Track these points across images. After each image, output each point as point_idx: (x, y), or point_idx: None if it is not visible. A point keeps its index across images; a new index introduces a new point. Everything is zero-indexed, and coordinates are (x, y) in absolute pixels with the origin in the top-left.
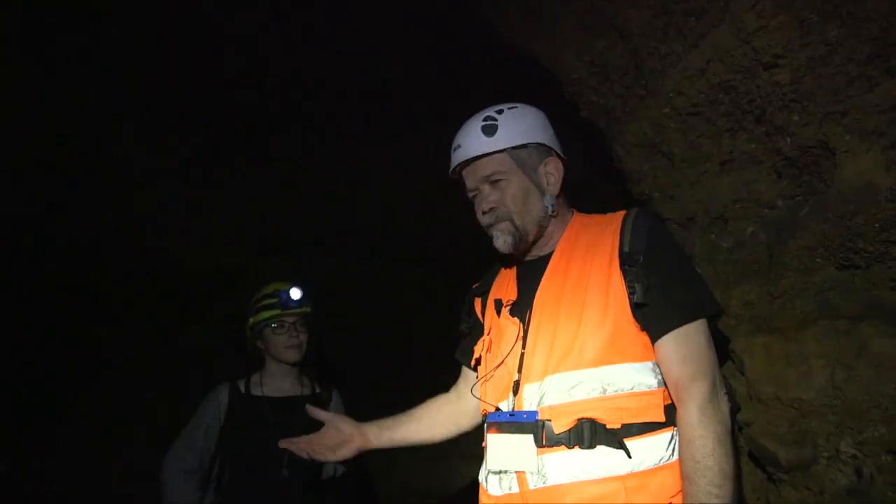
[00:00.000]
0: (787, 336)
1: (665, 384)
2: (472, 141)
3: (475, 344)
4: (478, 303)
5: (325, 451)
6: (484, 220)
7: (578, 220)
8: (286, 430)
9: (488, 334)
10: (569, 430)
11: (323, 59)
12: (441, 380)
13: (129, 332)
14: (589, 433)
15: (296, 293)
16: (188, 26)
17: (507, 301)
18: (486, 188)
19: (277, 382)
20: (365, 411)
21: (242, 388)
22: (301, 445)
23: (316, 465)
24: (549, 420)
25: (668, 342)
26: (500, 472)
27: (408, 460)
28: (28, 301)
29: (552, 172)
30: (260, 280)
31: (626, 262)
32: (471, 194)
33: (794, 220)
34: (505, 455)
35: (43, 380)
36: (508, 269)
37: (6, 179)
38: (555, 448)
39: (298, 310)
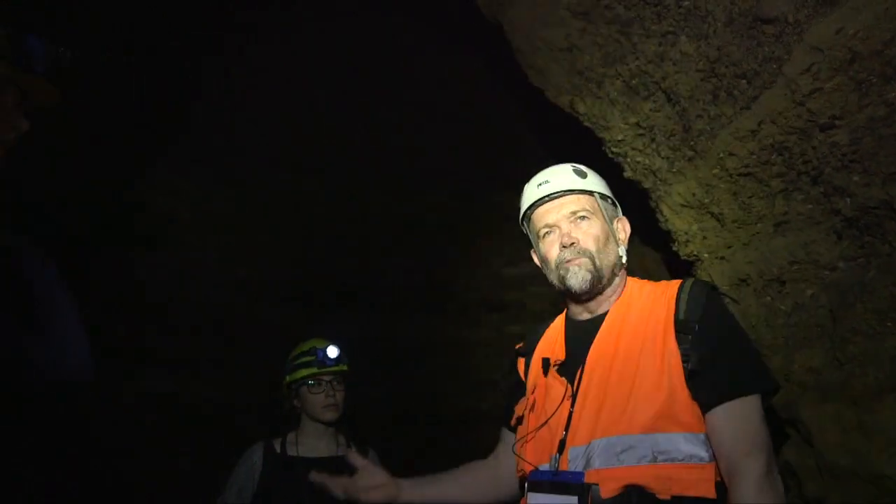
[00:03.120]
0: (860, 405)
1: (715, 459)
2: (563, 178)
3: (516, 403)
4: (521, 363)
5: (358, 492)
6: (562, 254)
7: (633, 284)
8: (321, 492)
9: (532, 393)
10: (617, 495)
11: (360, 115)
12: (471, 437)
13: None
14: (637, 502)
15: (333, 351)
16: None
17: (555, 361)
18: (567, 225)
19: (313, 442)
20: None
21: (277, 448)
22: (335, 484)
23: None
24: (597, 484)
25: (721, 414)
26: None
27: None
28: None
29: (622, 230)
30: (287, 334)
31: (682, 330)
32: (545, 230)
33: (859, 283)
34: None
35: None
36: (555, 330)
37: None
38: None
39: (335, 367)
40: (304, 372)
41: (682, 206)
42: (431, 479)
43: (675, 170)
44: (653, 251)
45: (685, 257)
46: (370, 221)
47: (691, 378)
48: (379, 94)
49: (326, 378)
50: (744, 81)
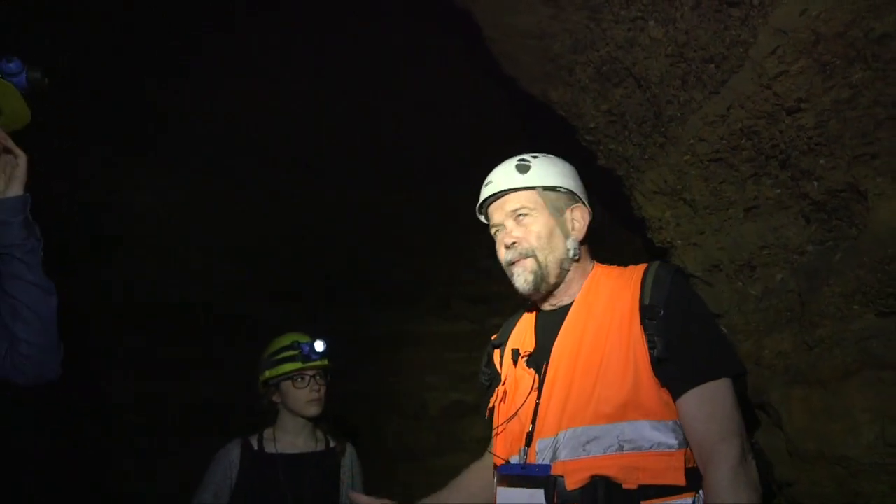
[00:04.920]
0: (827, 388)
1: (686, 446)
2: (503, 177)
3: (490, 396)
4: (496, 354)
5: None
6: (506, 255)
7: (599, 271)
8: (300, 488)
9: (503, 385)
10: (582, 487)
11: (343, 114)
12: (456, 430)
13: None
14: (604, 492)
15: (319, 345)
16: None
17: (524, 352)
18: (511, 223)
19: (291, 438)
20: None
21: (255, 446)
22: None
23: None
24: (563, 476)
25: (693, 399)
26: None
27: None
28: None
29: (577, 219)
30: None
31: (647, 316)
32: (494, 230)
33: (826, 266)
34: None
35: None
36: (527, 320)
37: None
38: None
39: (319, 362)
40: (289, 367)
41: (655, 192)
42: (436, 498)
43: (647, 156)
44: (634, 235)
45: (659, 244)
46: (352, 216)
47: (658, 364)
48: (363, 90)
49: (310, 373)
50: (712, 66)
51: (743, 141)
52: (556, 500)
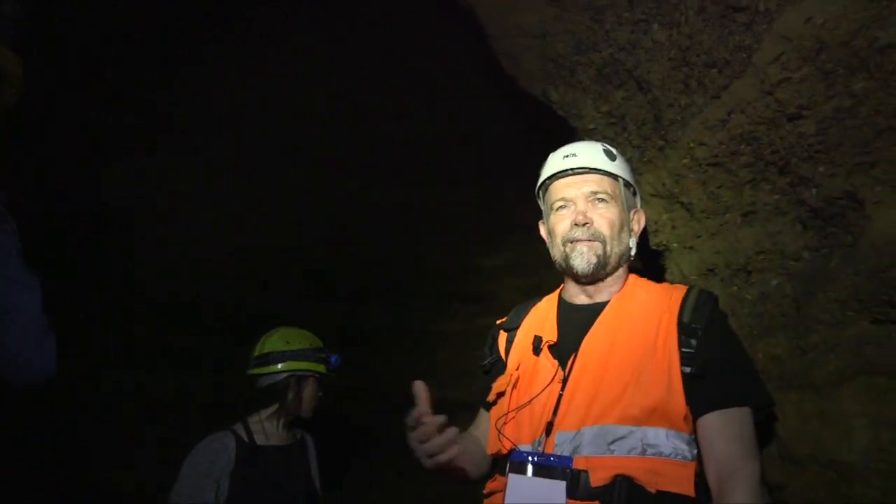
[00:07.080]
0: (820, 393)
1: (697, 460)
2: (592, 155)
3: (494, 381)
4: (502, 338)
5: (438, 447)
6: (572, 232)
7: (635, 280)
8: (292, 479)
9: (516, 370)
10: (606, 484)
11: (353, 110)
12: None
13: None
14: (627, 493)
15: (340, 360)
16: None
17: (547, 341)
18: (583, 203)
19: (277, 431)
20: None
21: (245, 437)
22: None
23: None
24: (586, 471)
25: (719, 417)
26: None
27: None
28: None
29: (638, 222)
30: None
31: (685, 332)
32: (559, 203)
33: (822, 272)
34: (529, 500)
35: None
36: (547, 309)
37: None
38: (588, 503)
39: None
40: (322, 367)
41: (652, 195)
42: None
43: (645, 159)
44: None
45: (654, 247)
46: (346, 211)
47: (690, 380)
48: (363, 83)
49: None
50: (714, 70)
51: (742, 146)
52: (577, 494)
